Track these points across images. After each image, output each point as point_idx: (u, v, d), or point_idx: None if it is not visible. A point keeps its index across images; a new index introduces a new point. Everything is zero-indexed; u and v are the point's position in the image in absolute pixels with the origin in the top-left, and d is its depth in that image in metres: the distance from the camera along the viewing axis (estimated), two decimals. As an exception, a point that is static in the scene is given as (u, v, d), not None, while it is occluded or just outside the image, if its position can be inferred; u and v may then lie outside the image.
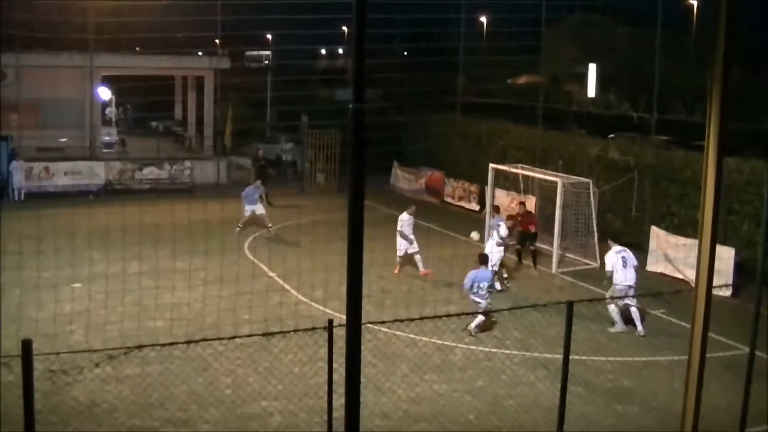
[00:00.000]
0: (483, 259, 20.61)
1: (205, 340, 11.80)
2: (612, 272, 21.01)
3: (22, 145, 38.73)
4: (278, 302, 21.04)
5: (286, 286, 23.37)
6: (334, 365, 9.98)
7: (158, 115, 56.90)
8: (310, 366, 16.45)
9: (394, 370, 17.11)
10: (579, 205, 27.38)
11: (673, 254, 25.98)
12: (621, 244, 22.03)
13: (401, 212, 26.23)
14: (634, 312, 20.55)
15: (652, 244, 27.27)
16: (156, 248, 24.23)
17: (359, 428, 7.06)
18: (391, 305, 20.89)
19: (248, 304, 19.74)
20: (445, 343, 18.87)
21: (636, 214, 28.99)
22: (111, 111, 56.91)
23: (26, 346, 8.32)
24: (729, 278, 23.27)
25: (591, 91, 47.80)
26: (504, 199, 30.78)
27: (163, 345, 11.66)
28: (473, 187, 36.71)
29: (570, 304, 11.71)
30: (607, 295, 21.27)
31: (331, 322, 10.29)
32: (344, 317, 7.31)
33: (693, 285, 9.14)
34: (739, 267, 24.06)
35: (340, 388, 7.95)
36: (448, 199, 38.53)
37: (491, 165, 30.41)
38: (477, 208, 35.67)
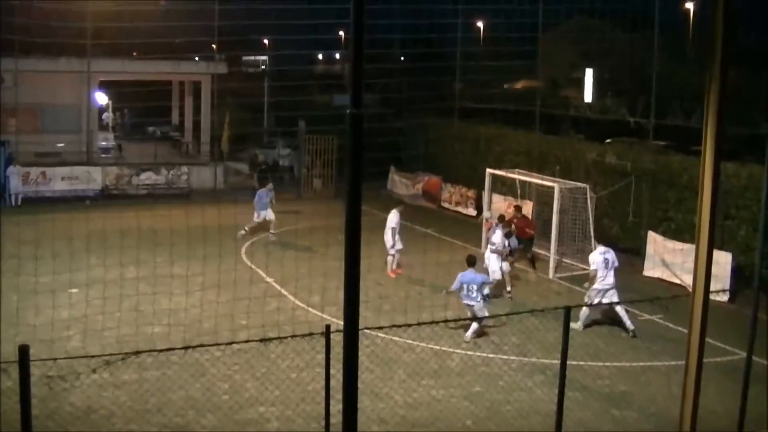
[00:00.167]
0: (471, 261, 20.48)
1: (202, 345, 11.77)
2: (596, 272, 21.08)
3: (19, 150, 38.73)
4: (276, 308, 21.01)
5: (284, 292, 23.35)
6: (332, 371, 9.96)
7: (155, 120, 57.01)
8: (307, 372, 16.42)
9: (392, 375, 17.09)
10: (576, 210, 27.39)
11: (671, 259, 25.99)
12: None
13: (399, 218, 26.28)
14: (621, 312, 20.60)
15: (650, 249, 27.29)
16: (153, 253, 24.17)
17: (356, 434, 7.05)
18: (388, 311, 20.85)
19: (246, 309, 19.70)
20: (443, 348, 18.86)
21: (633, 219, 28.98)
22: (108, 116, 57.02)
23: (23, 351, 8.30)
24: (726, 283, 23.31)
25: (588, 96, 47.93)
26: (501, 204, 30.77)
27: (161, 351, 11.64)
28: (470, 193, 36.71)
29: (567, 310, 11.71)
30: (586, 295, 21.36)
31: (328, 327, 10.28)
32: (341, 323, 7.31)
33: (690, 290, 9.15)
34: (737, 272, 24.08)
35: (337, 394, 7.95)
36: (445, 204, 38.53)
37: (488, 170, 30.44)
38: (474, 213, 35.68)
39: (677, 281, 25.41)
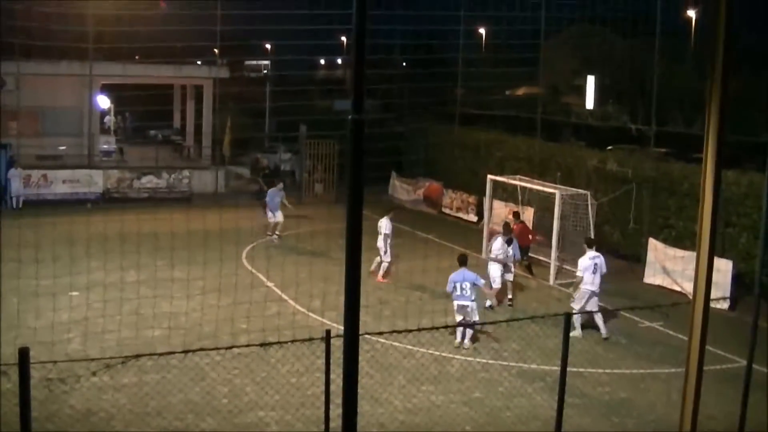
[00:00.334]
0: (462, 260, 20.38)
1: (202, 349, 11.79)
2: (582, 275, 21.21)
3: (20, 153, 38.78)
4: (276, 312, 21.01)
5: (284, 296, 23.35)
6: (332, 376, 9.96)
7: (157, 123, 57.01)
8: (307, 376, 16.43)
9: (391, 380, 17.09)
10: (577, 217, 27.38)
11: (671, 266, 25.99)
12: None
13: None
14: (597, 317, 20.71)
15: (650, 257, 27.29)
16: (154, 257, 24.21)
17: (356, 439, 7.05)
18: (388, 316, 20.85)
19: (246, 313, 19.71)
20: (443, 354, 18.86)
21: (634, 226, 28.98)
22: (110, 119, 57.04)
23: (23, 354, 8.30)
24: (727, 291, 23.32)
25: (590, 103, 47.94)
26: (502, 210, 30.77)
27: (161, 354, 11.65)
28: (471, 198, 36.72)
29: (567, 316, 11.72)
30: (574, 299, 21.38)
31: (328, 332, 10.28)
32: (342, 327, 7.31)
33: (691, 297, 9.14)
34: (737, 279, 24.09)
35: (337, 399, 7.94)
36: (446, 210, 38.53)
37: (489, 176, 30.44)
38: (475, 219, 35.69)
39: (678, 288, 25.41)
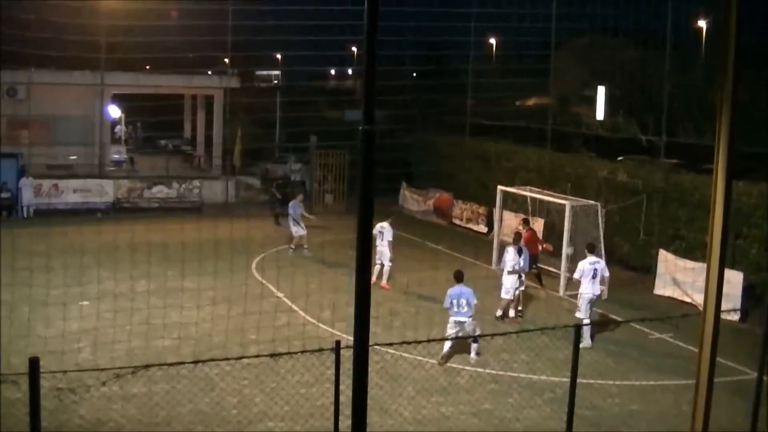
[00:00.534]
0: (458, 276, 20.16)
1: (212, 360, 11.83)
2: (579, 279, 21.47)
3: (31, 162, 38.93)
4: (286, 323, 21.02)
5: (294, 307, 23.34)
6: (341, 386, 9.95)
7: (167, 133, 57.18)
8: (316, 387, 16.42)
9: (401, 391, 17.06)
10: (587, 228, 27.31)
11: (682, 278, 25.91)
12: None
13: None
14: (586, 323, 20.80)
15: (661, 268, 27.22)
16: (164, 267, 24.26)
17: (365, 450, 7.04)
18: (398, 327, 20.85)
19: (256, 324, 19.71)
20: (452, 365, 18.83)
21: (644, 238, 28.92)
22: (120, 129, 57.27)
23: (33, 363, 8.32)
24: (737, 302, 23.23)
25: (600, 114, 47.87)
26: (512, 221, 30.75)
27: (171, 364, 11.66)
28: (481, 209, 36.69)
29: (577, 328, 11.69)
30: (579, 309, 21.40)
31: (338, 343, 10.28)
32: (352, 338, 7.31)
33: (701, 309, 9.12)
34: (748, 291, 23.99)
35: (346, 410, 7.95)
36: (456, 221, 38.51)
37: (499, 187, 30.42)
38: (485, 230, 35.66)
39: (688, 300, 25.33)
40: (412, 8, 43.48)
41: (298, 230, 30.64)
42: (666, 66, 32.65)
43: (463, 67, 44.88)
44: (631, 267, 29.17)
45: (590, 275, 21.22)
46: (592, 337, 20.81)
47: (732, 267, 23.23)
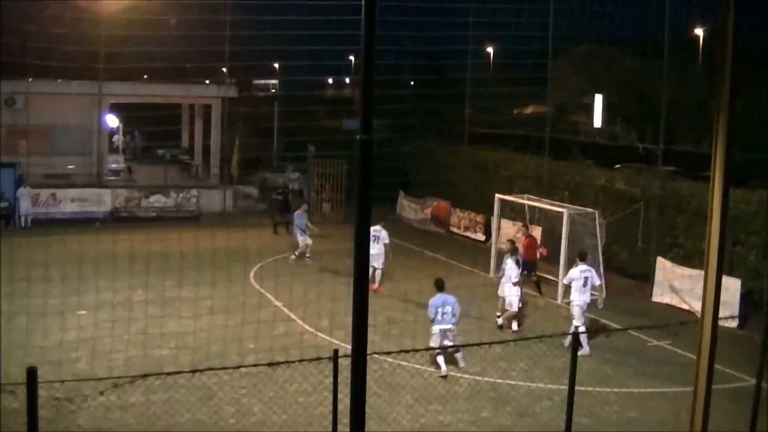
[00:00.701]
0: (439, 285, 20.01)
1: (210, 369, 11.81)
2: (569, 286, 21.83)
3: (29, 172, 38.93)
4: (284, 332, 21.01)
5: (292, 316, 23.33)
6: (339, 395, 9.95)
7: (165, 143, 57.22)
8: (315, 396, 16.39)
9: (399, 400, 17.04)
10: (585, 236, 27.33)
11: (680, 285, 25.92)
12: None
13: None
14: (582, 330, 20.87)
15: (659, 275, 27.22)
16: (162, 276, 24.24)
17: (364, 458, 7.04)
18: (396, 335, 20.81)
19: (254, 333, 19.71)
20: (450, 373, 18.81)
21: (642, 245, 28.93)
22: (118, 138, 57.31)
23: (31, 373, 8.31)
24: (735, 309, 23.23)
25: (597, 122, 47.92)
26: (510, 229, 30.75)
27: (168, 374, 11.65)
28: (479, 218, 36.71)
29: (575, 335, 11.69)
30: (573, 317, 21.59)
31: (336, 352, 10.27)
32: (350, 347, 7.31)
33: (699, 316, 9.12)
34: (746, 298, 24.00)
35: (344, 418, 7.94)
36: (454, 229, 38.52)
37: (497, 195, 30.44)
38: (483, 238, 35.67)
39: (686, 307, 25.34)
40: (410, 18, 43.54)
41: (304, 239, 30.71)
42: (664, 73, 32.66)
43: (461, 75, 44.93)
44: (629, 274, 29.17)
45: (581, 283, 21.38)
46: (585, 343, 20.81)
47: (730, 274, 23.25)
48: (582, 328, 20.76)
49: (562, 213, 27.19)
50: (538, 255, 27.42)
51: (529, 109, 58.93)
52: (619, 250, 29.64)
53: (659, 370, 19.81)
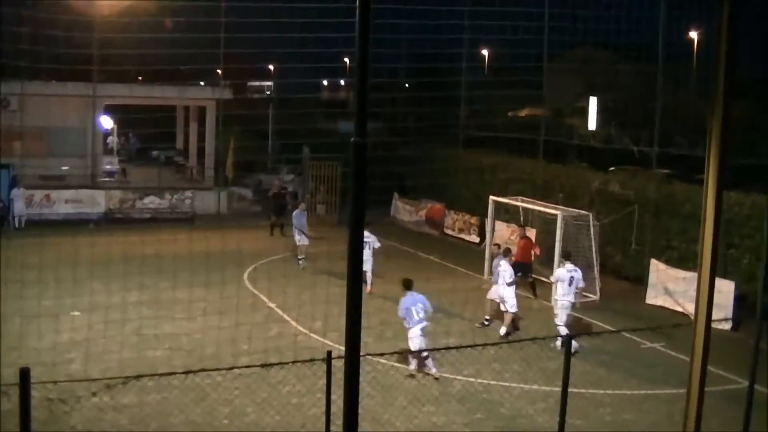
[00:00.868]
0: (407, 284, 19.77)
1: (203, 370, 11.78)
2: (555, 284, 22.41)
3: (24, 173, 38.86)
4: (277, 333, 21.00)
5: (286, 317, 23.33)
6: (333, 396, 9.95)
7: (160, 144, 57.15)
8: (308, 397, 16.39)
9: (393, 401, 17.04)
10: (579, 238, 27.37)
11: (673, 287, 25.97)
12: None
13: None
14: (562, 331, 21.16)
15: (652, 278, 27.26)
16: (156, 278, 24.22)
17: (357, 460, 7.04)
18: (390, 337, 20.82)
19: (248, 334, 19.69)
20: (444, 374, 18.81)
21: (636, 248, 28.97)
22: (113, 140, 57.22)
23: (24, 374, 8.29)
24: (729, 312, 23.29)
25: (592, 125, 48.04)
26: (504, 231, 30.77)
27: (162, 375, 11.64)
28: (473, 219, 36.72)
29: (569, 338, 11.70)
30: (557, 315, 21.97)
31: (329, 353, 10.28)
32: (343, 349, 7.31)
33: (693, 318, 9.14)
34: (740, 301, 24.05)
35: (338, 420, 7.93)
36: (449, 231, 38.53)
37: (491, 197, 30.47)
38: (477, 240, 35.68)
39: (680, 309, 25.37)
40: (405, 20, 43.51)
41: (301, 239, 30.64)
42: (658, 77, 32.69)
43: (457, 78, 44.93)
44: (623, 277, 29.22)
45: (566, 283, 21.57)
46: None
47: (724, 276, 23.32)
48: (563, 329, 20.93)
49: (556, 215, 27.20)
50: (533, 256, 27.43)
51: (524, 112, 58.98)
52: (613, 252, 29.70)
53: (653, 372, 19.83)
